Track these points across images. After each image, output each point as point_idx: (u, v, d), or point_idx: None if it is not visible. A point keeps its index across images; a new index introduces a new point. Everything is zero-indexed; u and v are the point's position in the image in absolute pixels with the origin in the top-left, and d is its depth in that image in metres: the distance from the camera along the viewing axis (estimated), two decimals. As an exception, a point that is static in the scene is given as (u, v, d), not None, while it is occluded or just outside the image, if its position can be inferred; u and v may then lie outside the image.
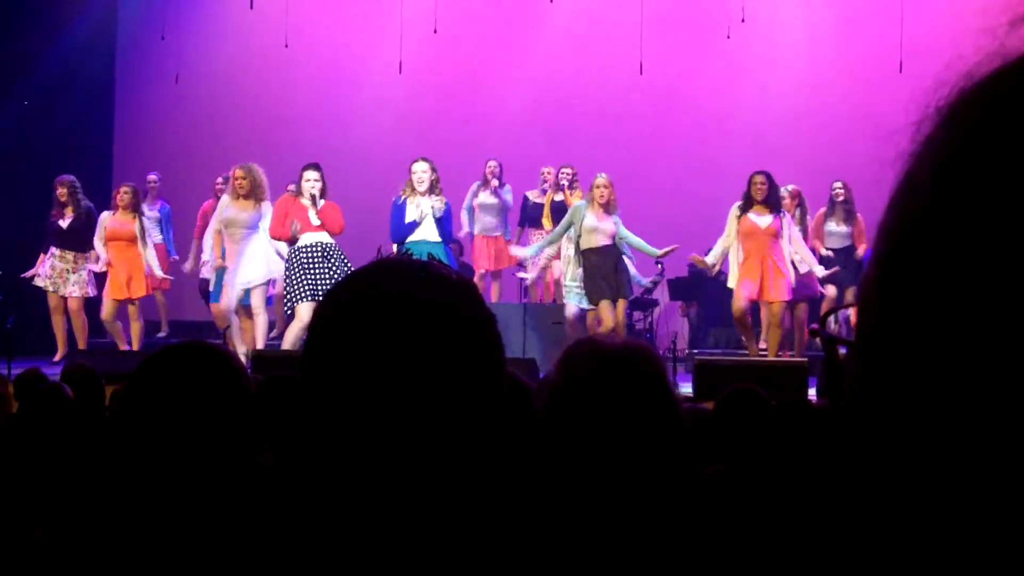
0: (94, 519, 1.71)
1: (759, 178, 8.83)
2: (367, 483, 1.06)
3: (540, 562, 1.13)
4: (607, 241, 8.85)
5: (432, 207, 8.75)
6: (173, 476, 1.73)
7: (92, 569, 1.64)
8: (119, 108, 14.16)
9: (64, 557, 1.65)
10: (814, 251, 9.77)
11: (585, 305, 9.10)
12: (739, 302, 8.82)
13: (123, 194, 9.72)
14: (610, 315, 8.76)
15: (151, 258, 9.76)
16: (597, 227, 8.82)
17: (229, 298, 9.01)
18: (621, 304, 8.89)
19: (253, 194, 8.97)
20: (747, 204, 8.83)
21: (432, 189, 8.77)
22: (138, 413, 1.77)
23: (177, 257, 11.33)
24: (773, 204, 8.83)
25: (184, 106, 13.59)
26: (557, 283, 10.52)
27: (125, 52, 14.14)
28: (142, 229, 9.76)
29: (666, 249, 9.17)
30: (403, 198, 8.89)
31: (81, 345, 9.55)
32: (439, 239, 8.80)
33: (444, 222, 8.90)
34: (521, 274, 10.69)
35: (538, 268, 10.18)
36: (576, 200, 9.83)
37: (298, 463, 2.49)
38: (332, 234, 8.70)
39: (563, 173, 10.72)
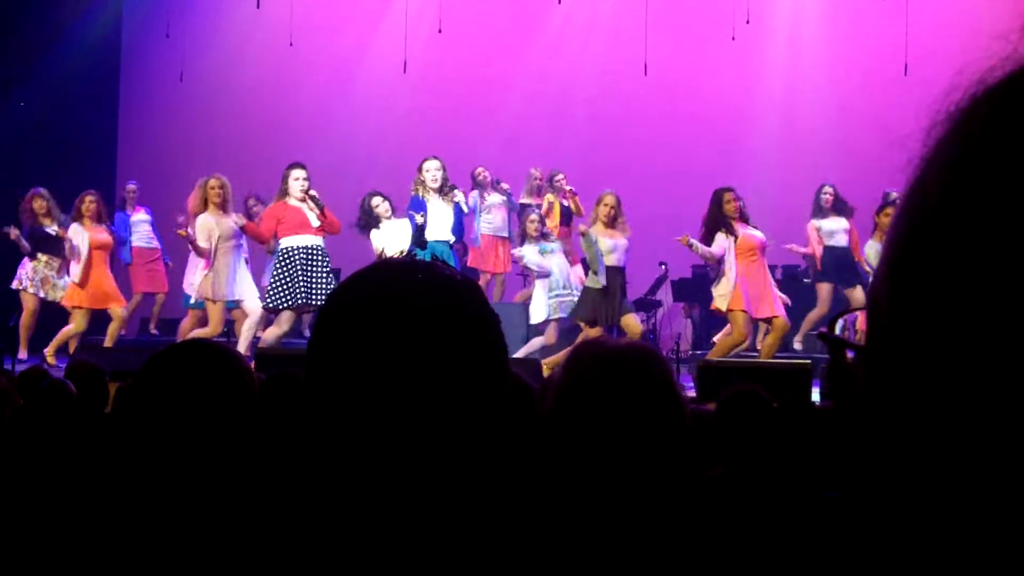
0: (96, 516, 1.71)
1: (728, 195, 8.55)
2: (370, 483, 1.06)
3: (544, 563, 1.13)
4: (619, 261, 8.82)
5: (459, 200, 8.82)
6: (176, 474, 1.73)
7: (94, 566, 1.64)
8: (123, 106, 14.17)
9: (66, 554, 1.65)
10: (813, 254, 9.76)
11: (555, 316, 9.11)
12: (745, 328, 8.58)
13: (89, 203, 9.62)
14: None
15: (127, 255, 9.74)
16: (613, 246, 8.80)
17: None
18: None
19: (224, 205, 8.85)
20: (734, 218, 8.56)
21: (443, 188, 8.78)
22: (143, 411, 1.77)
23: (170, 262, 11.11)
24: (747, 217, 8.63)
25: (188, 104, 13.59)
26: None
27: (129, 50, 14.15)
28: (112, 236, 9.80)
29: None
30: (420, 195, 8.85)
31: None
32: (452, 236, 8.85)
33: (461, 215, 8.99)
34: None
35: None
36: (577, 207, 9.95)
37: (301, 462, 2.49)
38: (333, 235, 8.60)
39: (558, 180, 10.60)
